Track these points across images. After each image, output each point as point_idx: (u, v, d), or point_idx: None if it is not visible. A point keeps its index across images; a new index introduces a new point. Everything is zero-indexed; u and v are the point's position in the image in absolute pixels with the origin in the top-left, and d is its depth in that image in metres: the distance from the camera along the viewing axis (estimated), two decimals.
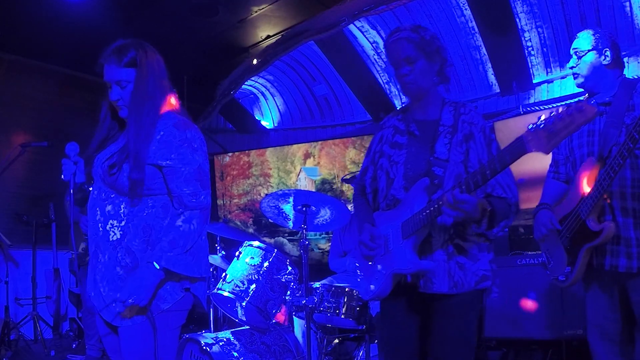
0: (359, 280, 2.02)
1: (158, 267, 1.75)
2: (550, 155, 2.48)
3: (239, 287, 3.02)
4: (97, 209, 1.84)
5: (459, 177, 1.79)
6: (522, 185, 2.29)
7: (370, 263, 1.94)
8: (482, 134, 1.87)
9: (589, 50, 2.22)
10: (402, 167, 1.90)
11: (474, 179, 1.62)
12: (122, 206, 1.82)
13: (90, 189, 1.94)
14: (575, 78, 2.27)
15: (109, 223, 1.82)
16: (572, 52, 2.28)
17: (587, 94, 2.29)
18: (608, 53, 2.19)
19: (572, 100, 3.92)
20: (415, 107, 1.98)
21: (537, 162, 2.41)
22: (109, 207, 1.83)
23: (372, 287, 1.91)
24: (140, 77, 1.82)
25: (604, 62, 2.19)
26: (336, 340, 3.17)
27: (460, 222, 1.74)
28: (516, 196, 1.83)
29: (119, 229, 1.82)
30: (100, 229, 1.83)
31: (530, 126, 1.48)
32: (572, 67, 2.27)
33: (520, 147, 1.51)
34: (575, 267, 2.11)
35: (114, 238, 1.81)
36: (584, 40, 2.24)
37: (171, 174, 1.81)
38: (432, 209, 1.71)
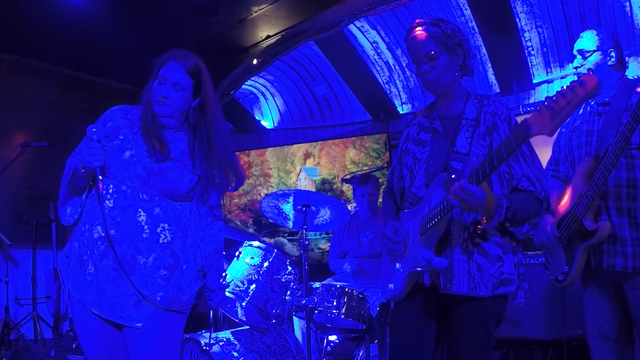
0: (383, 279, 1.97)
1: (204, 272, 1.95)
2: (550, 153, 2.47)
3: (239, 287, 3.02)
4: (140, 210, 1.81)
5: None
6: None
7: (393, 262, 1.90)
8: (506, 124, 1.79)
9: (594, 51, 2.19)
10: (424, 165, 1.86)
11: (482, 168, 1.57)
12: (168, 210, 1.86)
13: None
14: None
15: (160, 226, 1.83)
16: (575, 52, 2.24)
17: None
18: (613, 54, 2.18)
19: None
20: (440, 103, 1.94)
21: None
22: (157, 210, 1.83)
23: (390, 286, 1.87)
24: (206, 91, 1.90)
25: (609, 63, 2.18)
26: (336, 340, 3.17)
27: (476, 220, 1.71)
28: (546, 190, 1.77)
29: (170, 232, 1.84)
30: (147, 230, 1.81)
31: (533, 109, 1.47)
32: (576, 68, 2.24)
33: (524, 130, 1.47)
34: (573, 266, 2.12)
35: (165, 241, 1.83)
36: (589, 40, 2.21)
37: (216, 185, 1.94)
38: (444, 203, 1.66)
